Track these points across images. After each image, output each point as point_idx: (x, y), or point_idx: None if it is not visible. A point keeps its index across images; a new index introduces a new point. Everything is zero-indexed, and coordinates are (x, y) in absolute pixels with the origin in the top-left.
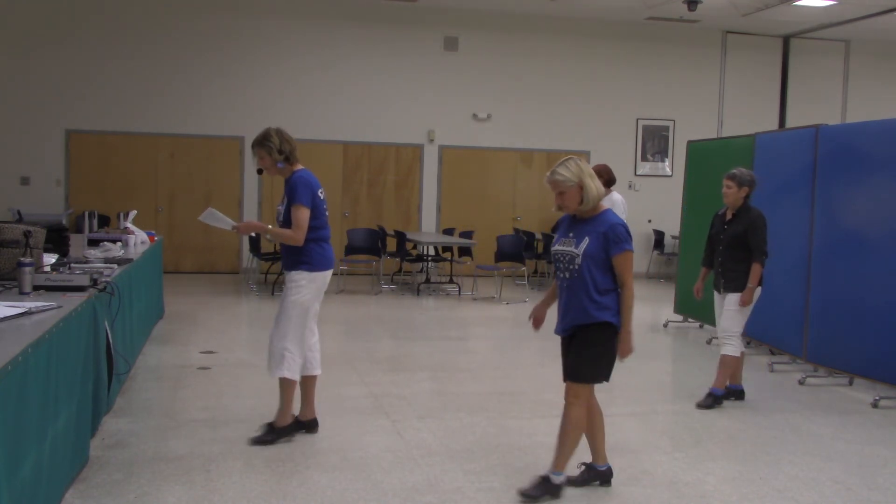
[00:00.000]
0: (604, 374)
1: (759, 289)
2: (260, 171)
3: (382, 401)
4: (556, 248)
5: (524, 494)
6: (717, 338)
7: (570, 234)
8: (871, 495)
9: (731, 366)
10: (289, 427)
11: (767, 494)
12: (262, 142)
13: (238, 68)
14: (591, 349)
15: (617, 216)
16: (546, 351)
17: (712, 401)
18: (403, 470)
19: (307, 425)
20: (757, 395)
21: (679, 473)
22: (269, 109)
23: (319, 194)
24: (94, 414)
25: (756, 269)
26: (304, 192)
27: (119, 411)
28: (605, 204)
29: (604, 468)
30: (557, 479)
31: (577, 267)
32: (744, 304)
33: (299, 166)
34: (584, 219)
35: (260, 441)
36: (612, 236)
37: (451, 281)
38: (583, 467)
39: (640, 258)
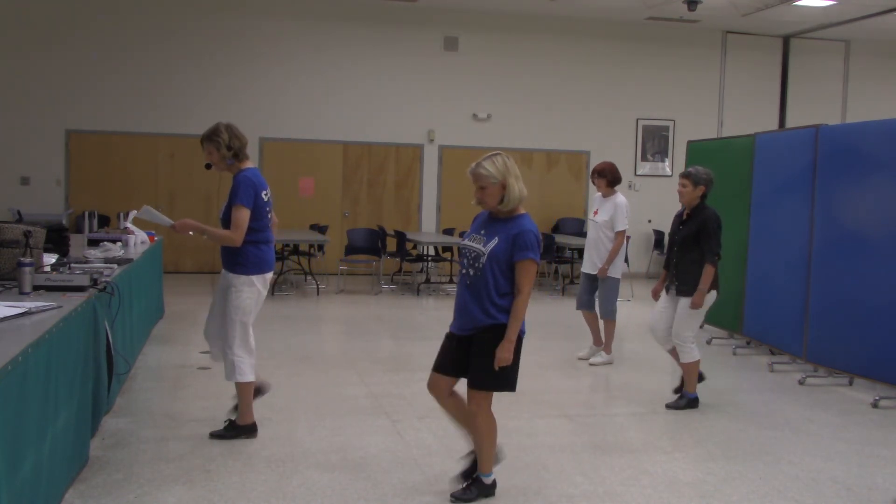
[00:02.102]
0: (508, 384)
1: (714, 293)
2: (208, 167)
3: (382, 401)
4: (465, 242)
5: (456, 498)
6: (717, 338)
7: (482, 232)
8: (871, 495)
9: (694, 371)
10: (250, 427)
11: (767, 494)
12: (211, 137)
13: (238, 68)
14: (492, 357)
15: (532, 223)
16: (545, 351)
17: (685, 402)
18: (403, 470)
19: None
20: (757, 395)
21: (679, 473)
22: (269, 109)
23: (263, 196)
24: (94, 414)
25: (708, 272)
26: (245, 192)
27: (119, 411)
28: (609, 206)
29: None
30: (487, 480)
31: (480, 266)
32: (694, 307)
33: (248, 164)
34: (500, 218)
35: (219, 435)
36: (520, 242)
37: (451, 281)
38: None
39: (639, 258)
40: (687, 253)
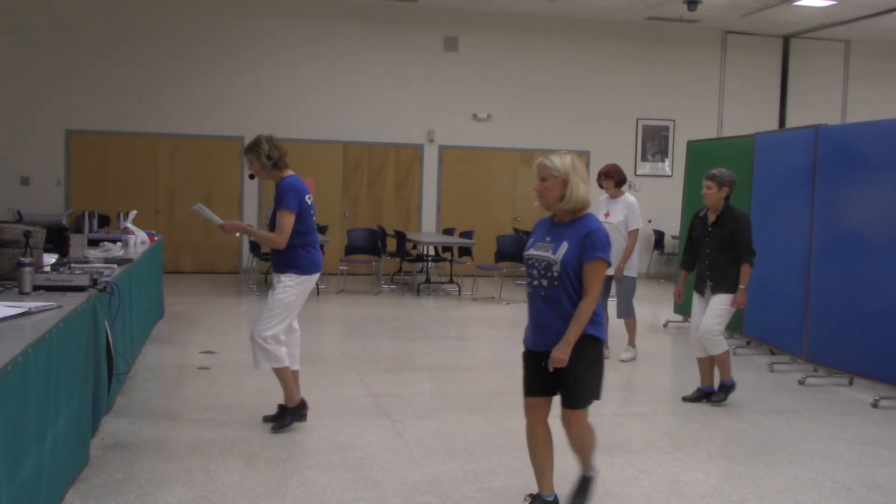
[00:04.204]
0: (599, 391)
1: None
2: (252, 176)
3: (382, 401)
4: (531, 252)
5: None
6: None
7: (548, 239)
8: (871, 495)
9: (728, 360)
10: (298, 407)
11: (767, 494)
12: (253, 147)
13: (238, 68)
14: (586, 370)
15: (599, 222)
16: None
17: (725, 394)
18: (403, 470)
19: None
20: (757, 395)
21: (679, 473)
22: (269, 109)
23: (307, 200)
24: (94, 414)
25: (746, 270)
26: (291, 197)
27: (119, 411)
28: (620, 206)
29: (551, 498)
30: (593, 473)
31: (555, 275)
32: (738, 305)
33: (289, 172)
34: (564, 222)
35: (281, 426)
36: (589, 242)
37: (451, 281)
38: (529, 500)
39: (640, 258)
40: (722, 254)
